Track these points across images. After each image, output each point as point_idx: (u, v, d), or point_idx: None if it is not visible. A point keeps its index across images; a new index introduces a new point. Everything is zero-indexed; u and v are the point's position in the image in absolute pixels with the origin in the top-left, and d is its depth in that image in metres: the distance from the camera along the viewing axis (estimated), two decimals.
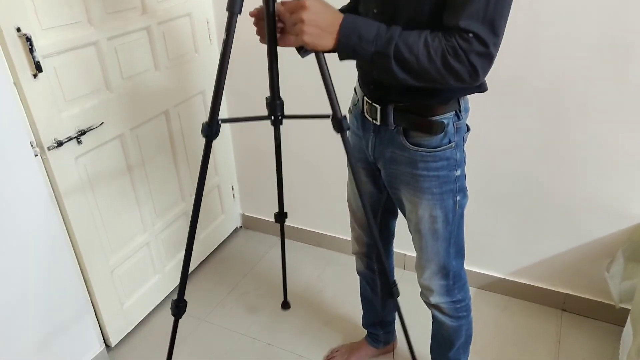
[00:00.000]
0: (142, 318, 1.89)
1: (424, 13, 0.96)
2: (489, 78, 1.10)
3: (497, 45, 0.91)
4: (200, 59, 1.96)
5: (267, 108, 1.15)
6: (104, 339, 1.72)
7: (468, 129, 1.16)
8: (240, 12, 1.00)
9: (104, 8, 1.49)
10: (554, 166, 1.65)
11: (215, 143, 2.13)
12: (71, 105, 1.45)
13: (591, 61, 1.47)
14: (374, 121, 1.15)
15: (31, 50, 1.28)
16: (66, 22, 1.39)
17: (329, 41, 0.92)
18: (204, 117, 2.02)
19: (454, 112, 1.08)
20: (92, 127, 1.51)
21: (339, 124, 1.04)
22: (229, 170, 2.30)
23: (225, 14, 1.00)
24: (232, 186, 2.34)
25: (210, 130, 1.08)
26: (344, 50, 0.92)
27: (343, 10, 1.19)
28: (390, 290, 1.19)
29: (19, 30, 1.25)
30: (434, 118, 1.07)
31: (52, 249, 1.45)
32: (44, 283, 1.44)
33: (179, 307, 1.18)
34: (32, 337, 1.44)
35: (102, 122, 1.55)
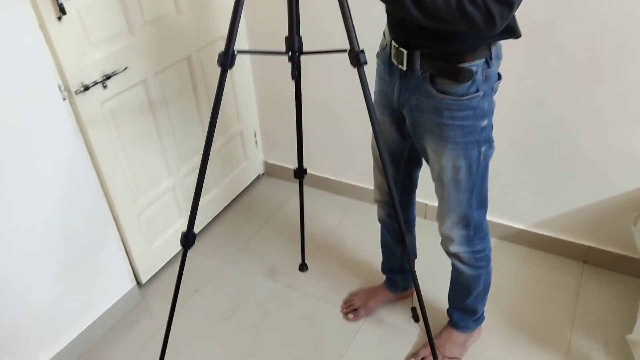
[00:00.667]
0: (170, 258, 1.97)
1: None
2: (522, 23, 1.05)
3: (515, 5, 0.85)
4: (223, 2, 1.91)
5: (285, 44, 1.14)
6: (135, 276, 1.81)
7: (499, 78, 1.12)
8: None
9: None
10: (584, 117, 1.59)
11: (237, 89, 2.12)
12: (95, 49, 1.45)
13: (632, 5, 1.37)
14: (401, 66, 1.11)
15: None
16: None
17: None
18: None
19: (484, 59, 1.04)
20: (116, 72, 1.52)
21: (355, 57, 1.02)
22: (252, 117, 2.29)
23: None
24: (255, 133, 2.35)
25: (226, 59, 1.07)
26: None
27: None
28: (402, 239, 1.19)
29: None
30: (462, 65, 1.04)
31: (83, 191, 1.50)
32: (77, 224, 1.50)
33: (187, 238, 1.19)
34: (68, 276, 1.53)
35: (126, 67, 1.55)
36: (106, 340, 1.68)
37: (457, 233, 1.28)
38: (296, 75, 1.24)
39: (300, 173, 1.59)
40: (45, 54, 1.30)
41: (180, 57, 1.78)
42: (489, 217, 1.32)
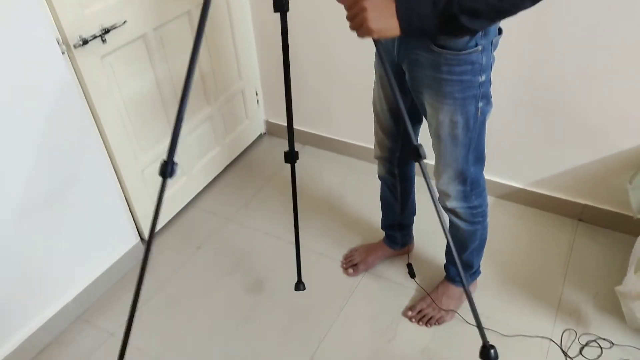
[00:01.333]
0: (172, 216, 2.00)
1: None
2: None
3: None
4: None
5: None
6: (138, 233, 1.85)
7: (499, 33, 1.11)
8: None
9: None
10: (583, 77, 1.59)
11: (238, 45, 2.10)
12: (94, 1, 1.43)
13: None
14: None
15: None
16: None
17: (393, 22, 0.92)
18: (228, 18, 1.97)
19: None
20: (115, 26, 1.50)
21: None
22: (253, 76, 2.28)
23: None
24: (256, 91, 2.34)
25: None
26: (408, 30, 0.93)
27: None
28: (417, 152, 1.02)
29: None
30: None
31: (86, 149, 1.52)
32: (79, 181, 1.53)
33: (167, 165, 1.08)
34: (72, 232, 1.56)
35: (125, 21, 1.53)
36: (111, 294, 1.74)
37: (453, 189, 1.30)
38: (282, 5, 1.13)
39: (291, 157, 1.36)
40: (42, 6, 1.28)
41: (180, 12, 1.75)
42: (486, 176, 1.34)
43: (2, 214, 1.34)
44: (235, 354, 1.53)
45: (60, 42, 1.36)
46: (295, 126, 2.37)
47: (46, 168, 1.41)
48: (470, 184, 1.29)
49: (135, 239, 1.82)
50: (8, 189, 1.33)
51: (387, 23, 0.92)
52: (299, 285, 1.59)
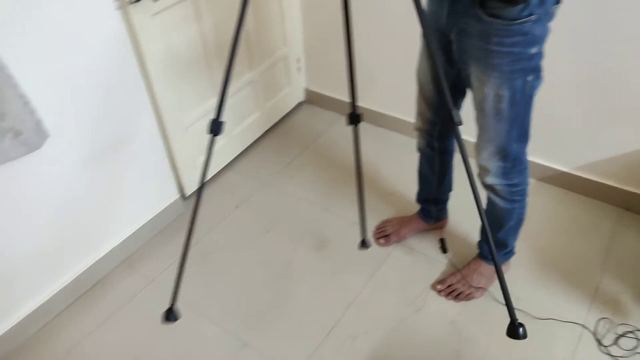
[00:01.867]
0: (211, 175, 2.06)
1: None
2: None
3: None
4: None
5: None
6: (180, 188, 1.92)
7: (558, 1, 1.07)
8: None
9: None
10: None
11: (285, 13, 2.09)
12: None
13: None
14: None
15: None
16: None
17: None
18: None
19: None
20: None
21: None
22: (297, 43, 2.28)
23: None
24: (299, 59, 2.34)
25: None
26: None
27: None
28: (450, 117, 0.94)
29: None
30: None
31: (137, 104, 1.57)
32: (130, 136, 1.59)
33: (215, 123, 1.09)
34: (122, 183, 1.64)
35: None
36: (152, 244, 1.82)
37: (494, 164, 1.28)
38: None
39: (355, 118, 1.35)
40: None
41: None
42: (530, 157, 1.31)
43: (67, 163, 1.43)
44: (264, 310, 1.58)
45: None
46: (335, 95, 2.37)
47: (95, 120, 1.47)
48: (512, 160, 1.26)
49: (177, 194, 1.88)
50: (72, 139, 1.42)
51: None
52: (364, 243, 1.60)
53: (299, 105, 2.49)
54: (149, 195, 1.77)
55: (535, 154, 1.89)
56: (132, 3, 1.44)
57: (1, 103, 1.18)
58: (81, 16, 1.31)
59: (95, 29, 1.36)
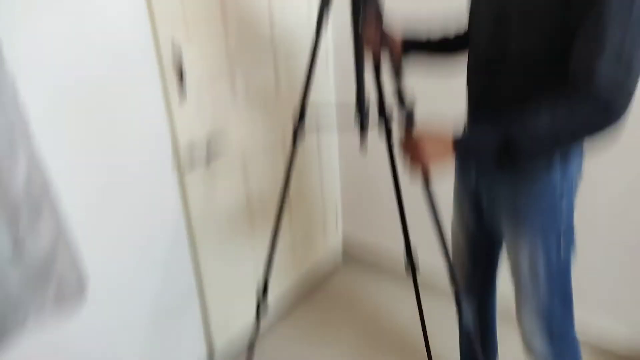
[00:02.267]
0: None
1: (541, 45, 0.94)
2: None
3: (633, 82, 0.86)
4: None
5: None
6: (208, 350, 1.82)
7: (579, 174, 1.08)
8: None
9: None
10: None
11: (323, 166, 2.22)
12: (205, 123, 1.62)
13: None
14: None
15: (181, 78, 1.48)
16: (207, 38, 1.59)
17: (449, 156, 0.94)
18: (317, 158, 2.14)
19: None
20: (218, 152, 1.67)
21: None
22: (334, 193, 2.36)
23: None
24: (336, 210, 2.39)
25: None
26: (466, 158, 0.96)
27: (443, 40, 1.23)
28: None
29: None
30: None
31: (178, 260, 1.60)
32: (167, 287, 1.59)
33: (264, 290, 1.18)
34: (152, 331, 1.57)
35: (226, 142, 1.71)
36: None
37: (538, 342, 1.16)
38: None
39: (412, 267, 1.34)
40: (167, 133, 1.49)
41: (274, 138, 1.93)
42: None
43: (111, 316, 1.42)
44: None
45: (174, 166, 1.53)
46: (373, 247, 2.33)
47: (144, 276, 1.49)
48: (558, 337, 1.13)
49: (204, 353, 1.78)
50: (114, 294, 1.42)
51: (444, 157, 0.94)
52: None
53: (336, 264, 2.46)
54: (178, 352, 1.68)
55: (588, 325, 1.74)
56: (189, 172, 1.56)
57: (55, 248, 1.19)
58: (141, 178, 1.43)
59: (153, 193, 1.47)
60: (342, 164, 2.31)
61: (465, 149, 0.93)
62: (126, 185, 1.40)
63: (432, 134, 0.94)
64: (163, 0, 1.37)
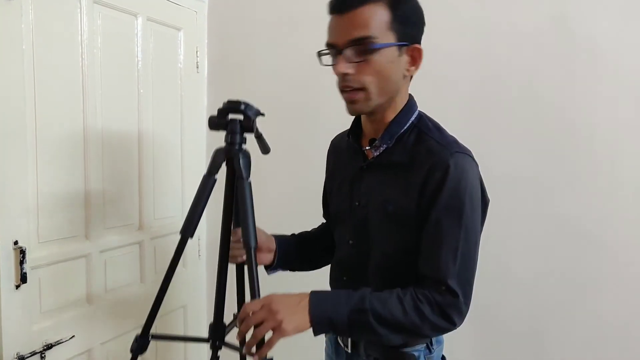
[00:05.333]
0: None
1: (399, 248, 1.03)
2: None
3: (468, 297, 0.96)
4: (188, 272, 2.01)
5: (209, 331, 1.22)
6: None
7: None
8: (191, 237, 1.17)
9: (103, 224, 1.61)
10: None
11: None
12: (46, 317, 1.43)
13: None
14: (346, 349, 1.13)
15: (22, 262, 1.33)
16: (64, 236, 1.48)
17: (305, 316, 0.91)
18: (183, 331, 1.96)
19: (424, 345, 1.07)
20: (61, 341, 1.46)
21: None
22: None
23: None
24: None
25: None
26: (319, 320, 0.92)
27: (305, 237, 1.29)
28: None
29: (15, 243, 1.32)
30: (406, 349, 1.06)
31: None
32: None
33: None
34: None
35: (73, 336, 1.50)
36: None
37: None
38: None
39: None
40: None
41: (134, 327, 1.75)
42: None
43: None
44: None
45: None
46: None
47: None
48: None
49: None
50: None
51: (301, 319, 0.91)
52: None
53: None
54: None
55: None
56: None
57: None
58: None
59: None
60: None
61: (320, 300, 0.93)
62: None
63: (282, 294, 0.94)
64: None
